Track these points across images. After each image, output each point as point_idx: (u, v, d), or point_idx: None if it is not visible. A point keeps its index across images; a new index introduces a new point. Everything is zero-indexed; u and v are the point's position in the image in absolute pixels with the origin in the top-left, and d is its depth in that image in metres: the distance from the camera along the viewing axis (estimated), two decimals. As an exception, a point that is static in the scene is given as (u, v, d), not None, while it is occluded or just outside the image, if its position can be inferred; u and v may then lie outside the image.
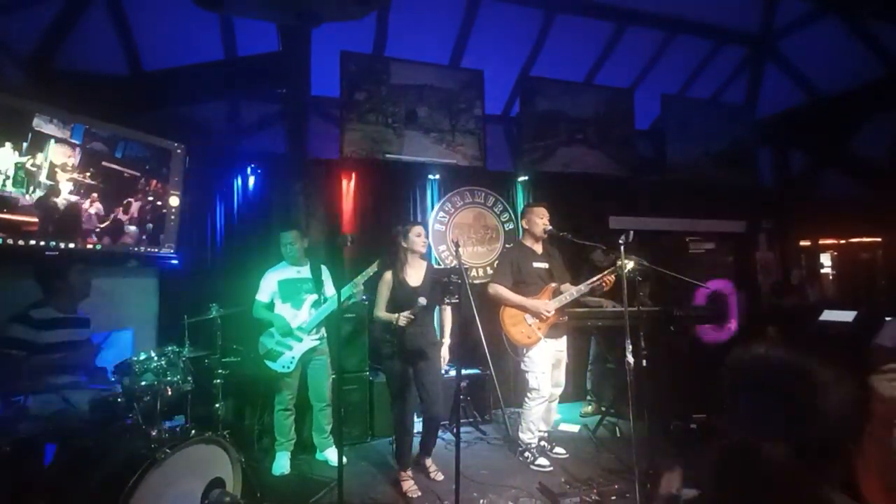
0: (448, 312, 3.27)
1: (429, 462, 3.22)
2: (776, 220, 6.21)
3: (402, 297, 2.99)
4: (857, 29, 5.12)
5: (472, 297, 2.61)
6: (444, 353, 3.17)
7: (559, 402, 3.73)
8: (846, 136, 5.95)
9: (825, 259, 6.81)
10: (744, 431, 0.84)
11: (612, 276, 3.20)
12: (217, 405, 3.05)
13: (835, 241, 6.64)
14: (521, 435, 3.46)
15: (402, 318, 2.86)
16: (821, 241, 6.63)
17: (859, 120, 5.79)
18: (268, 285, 3.35)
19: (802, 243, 6.56)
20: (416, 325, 2.99)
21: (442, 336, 3.25)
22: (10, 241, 2.77)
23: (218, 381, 3.06)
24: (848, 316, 4.54)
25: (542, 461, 3.34)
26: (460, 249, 2.84)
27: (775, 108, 6.31)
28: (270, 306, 3.34)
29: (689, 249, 5.70)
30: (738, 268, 5.88)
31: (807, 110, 6.05)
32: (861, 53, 5.29)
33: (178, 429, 2.48)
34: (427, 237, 3.17)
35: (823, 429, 0.78)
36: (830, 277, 6.81)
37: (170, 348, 2.56)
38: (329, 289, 3.43)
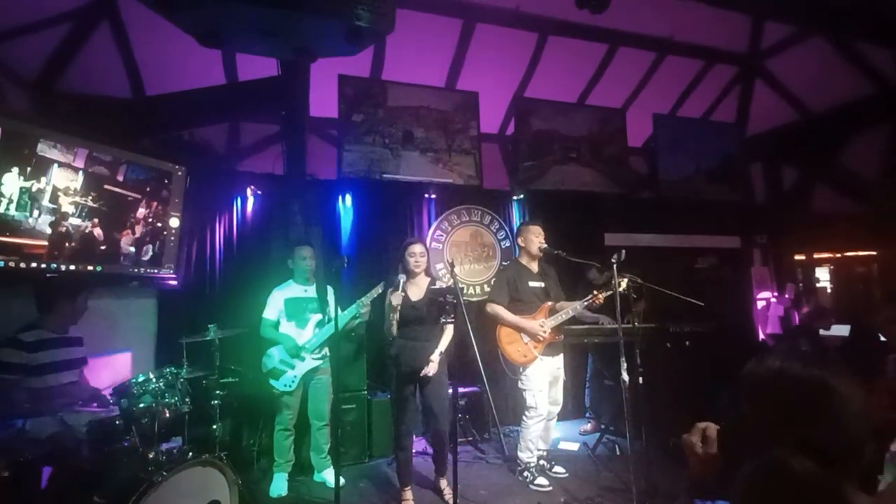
0: (448, 329, 3.15)
1: (443, 483, 3.18)
2: (770, 236, 6.28)
3: (402, 312, 3.00)
4: (841, 48, 5.26)
5: (467, 316, 2.63)
6: (435, 357, 3.02)
7: (558, 420, 3.73)
8: (836, 152, 6.05)
9: (822, 273, 6.85)
10: (760, 446, 0.85)
11: (606, 294, 3.23)
12: (215, 426, 3.04)
13: (830, 256, 6.69)
14: (519, 454, 3.45)
15: (394, 297, 2.92)
16: (815, 256, 6.68)
17: (848, 136, 5.89)
18: (275, 303, 3.37)
19: (797, 258, 6.62)
20: (418, 342, 3.01)
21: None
22: (11, 264, 2.81)
23: (216, 402, 3.05)
24: (843, 330, 4.57)
25: (542, 481, 3.33)
26: (455, 269, 2.87)
27: (766, 126, 6.43)
28: (276, 325, 3.36)
29: (695, 265, 5.77)
30: (735, 283, 5.95)
31: (796, 127, 6.16)
32: (847, 71, 5.42)
33: (175, 451, 2.47)
34: (426, 255, 3.17)
35: (845, 438, 0.80)
36: (828, 291, 6.84)
37: (168, 370, 2.57)
38: (333, 310, 3.44)
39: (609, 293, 3.16)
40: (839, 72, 5.48)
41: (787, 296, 5.91)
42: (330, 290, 3.51)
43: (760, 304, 6.22)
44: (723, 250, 5.99)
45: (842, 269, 6.73)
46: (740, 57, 5.99)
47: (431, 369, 2.98)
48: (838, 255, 6.71)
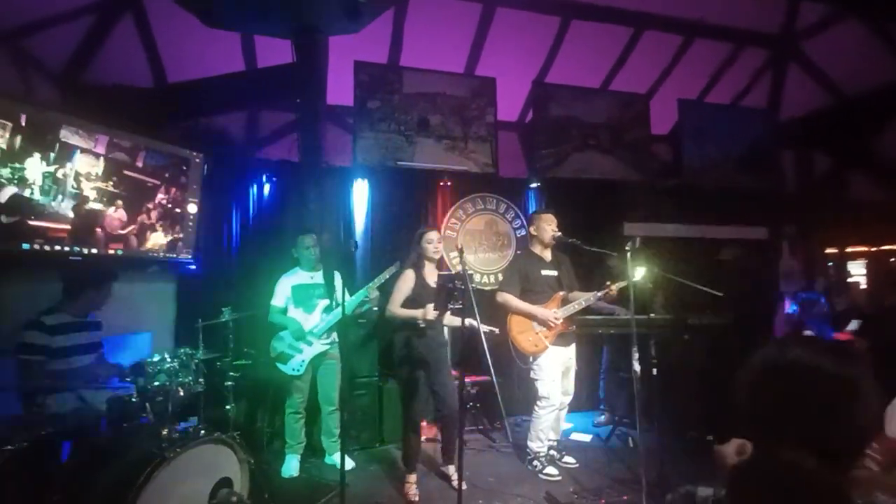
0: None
1: (451, 470, 3.20)
2: (800, 226, 6.01)
3: (424, 298, 3.00)
4: (878, 29, 4.96)
5: (475, 304, 2.60)
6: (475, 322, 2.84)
7: (571, 411, 3.69)
8: (872, 138, 5.73)
9: (855, 267, 6.53)
10: (764, 437, 0.83)
11: (621, 285, 3.15)
12: (229, 407, 3.12)
13: (865, 249, 6.38)
14: (529, 443, 3.43)
15: (431, 312, 2.86)
16: (848, 249, 6.37)
17: (885, 121, 5.57)
18: (282, 290, 3.42)
19: (828, 250, 6.33)
20: (433, 329, 3.02)
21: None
22: (36, 247, 2.91)
23: (230, 383, 3.13)
24: (853, 325, 4.38)
25: (551, 470, 3.31)
26: (469, 257, 2.84)
27: (798, 111, 6.13)
28: (284, 311, 3.41)
29: (718, 256, 5.58)
30: (761, 275, 5.72)
31: (831, 112, 5.86)
32: (885, 53, 5.11)
33: (189, 429, 2.54)
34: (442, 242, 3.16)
35: (857, 439, 0.78)
36: (861, 287, 6.52)
37: (182, 350, 2.63)
38: (340, 295, 3.47)
39: (623, 284, 3.09)
40: (876, 54, 5.17)
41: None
42: (337, 275, 3.54)
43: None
44: (749, 241, 5.77)
45: (875, 263, 6.41)
46: (773, 38, 5.71)
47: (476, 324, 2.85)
48: (873, 249, 6.39)
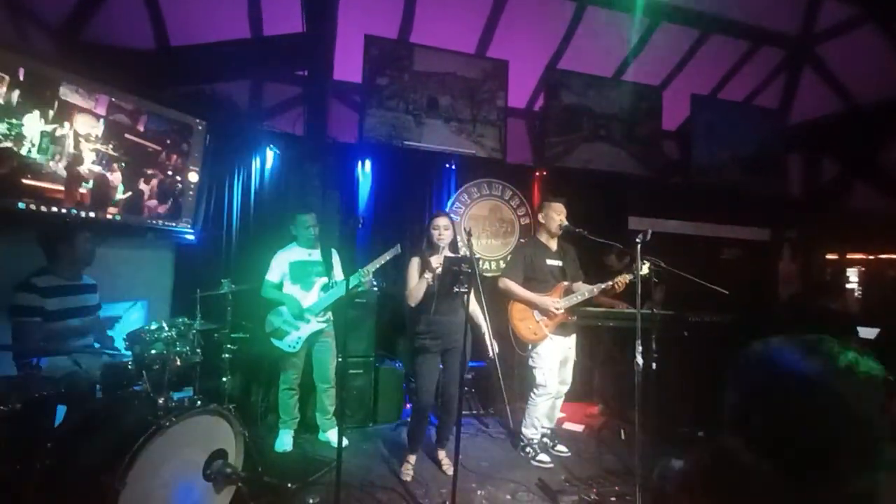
0: (476, 305, 3.07)
1: (442, 455, 3.20)
2: (802, 231, 6.02)
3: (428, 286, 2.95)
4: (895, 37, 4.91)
5: (482, 288, 2.56)
6: (490, 340, 2.96)
7: (564, 401, 3.70)
8: (880, 148, 5.72)
9: (851, 274, 6.57)
10: (731, 434, 0.75)
11: (627, 279, 3.13)
12: (224, 379, 3.09)
13: (862, 257, 6.41)
14: (524, 430, 3.44)
15: (427, 272, 2.86)
16: (848, 256, 6.40)
17: (894, 132, 5.56)
18: (278, 266, 3.35)
19: (828, 256, 6.35)
20: (449, 314, 2.96)
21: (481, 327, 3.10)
22: (32, 207, 2.83)
23: (226, 355, 3.10)
24: (870, 333, 4.39)
25: (544, 457, 3.32)
26: (472, 239, 2.77)
27: (809, 115, 6.10)
28: (279, 287, 3.35)
29: (721, 255, 5.58)
30: (760, 278, 5.74)
31: (841, 119, 5.83)
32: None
33: (185, 399, 2.51)
34: (451, 228, 3.06)
35: (822, 448, 0.67)
36: (856, 294, 6.57)
37: (180, 320, 2.58)
38: (338, 273, 3.43)
39: (630, 277, 3.06)
40: (891, 64, 5.13)
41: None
42: (335, 254, 3.48)
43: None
44: (751, 242, 5.77)
45: (872, 272, 6.45)
46: (790, 40, 5.64)
47: (495, 349, 2.96)
48: (870, 257, 6.42)
